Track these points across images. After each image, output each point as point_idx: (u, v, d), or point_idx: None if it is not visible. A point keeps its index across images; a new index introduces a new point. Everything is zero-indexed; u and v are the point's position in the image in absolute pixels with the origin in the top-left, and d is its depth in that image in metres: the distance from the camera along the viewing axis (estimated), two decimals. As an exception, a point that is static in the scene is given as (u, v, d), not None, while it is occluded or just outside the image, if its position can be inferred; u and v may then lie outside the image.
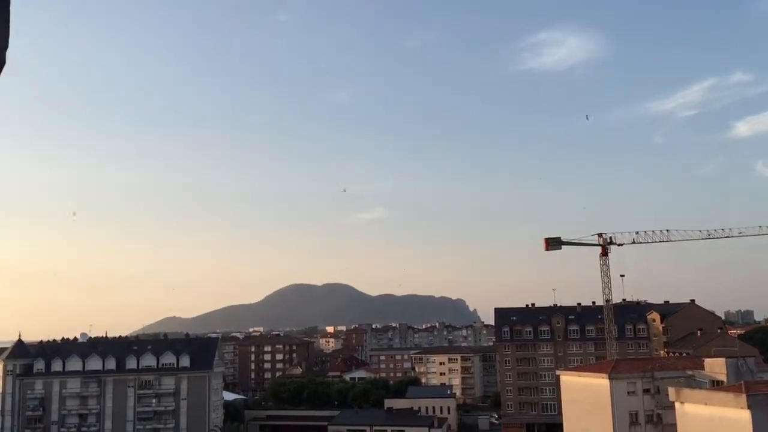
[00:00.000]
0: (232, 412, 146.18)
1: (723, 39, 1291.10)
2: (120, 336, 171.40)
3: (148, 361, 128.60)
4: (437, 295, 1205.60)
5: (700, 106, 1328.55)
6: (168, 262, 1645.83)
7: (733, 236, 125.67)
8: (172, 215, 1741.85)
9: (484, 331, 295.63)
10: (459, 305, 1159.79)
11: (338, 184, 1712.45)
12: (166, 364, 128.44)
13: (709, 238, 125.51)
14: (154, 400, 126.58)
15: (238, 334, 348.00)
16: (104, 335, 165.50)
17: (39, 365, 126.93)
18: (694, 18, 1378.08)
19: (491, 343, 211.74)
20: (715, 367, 72.12)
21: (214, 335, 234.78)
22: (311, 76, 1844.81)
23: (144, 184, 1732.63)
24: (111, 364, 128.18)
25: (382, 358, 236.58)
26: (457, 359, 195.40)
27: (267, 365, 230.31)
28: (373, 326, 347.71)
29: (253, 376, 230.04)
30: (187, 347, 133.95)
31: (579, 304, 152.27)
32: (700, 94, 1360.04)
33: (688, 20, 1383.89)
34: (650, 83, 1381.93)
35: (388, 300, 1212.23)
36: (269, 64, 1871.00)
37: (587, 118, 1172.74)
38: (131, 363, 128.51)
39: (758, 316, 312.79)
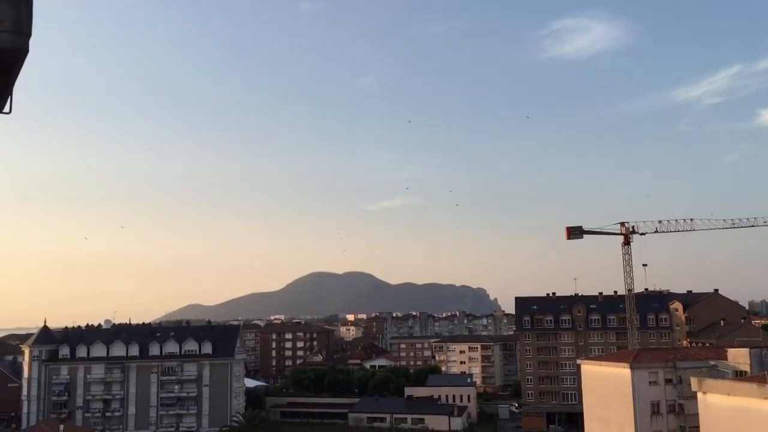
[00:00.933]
0: (253, 398, 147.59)
1: (749, 25, 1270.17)
2: (143, 323, 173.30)
3: (171, 347, 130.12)
4: (458, 284, 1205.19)
5: (726, 94, 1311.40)
6: (192, 251, 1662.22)
7: (758, 225, 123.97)
8: (198, 203, 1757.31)
9: (505, 320, 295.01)
10: (480, 294, 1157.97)
11: (363, 171, 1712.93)
12: (188, 351, 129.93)
13: (734, 228, 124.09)
14: (176, 386, 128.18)
15: (259, 322, 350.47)
16: (128, 322, 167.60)
17: (64, 351, 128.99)
18: (720, 4, 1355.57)
19: (512, 332, 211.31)
20: (739, 357, 71.25)
21: (235, 323, 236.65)
22: (336, 64, 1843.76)
23: (173, 173, 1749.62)
24: (134, 350, 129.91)
25: (403, 346, 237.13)
26: (477, 348, 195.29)
27: (288, 353, 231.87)
28: (394, 314, 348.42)
29: (274, 363, 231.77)
30: (209, 334, 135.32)
31: (600, 293, 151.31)
32: (726, 81, 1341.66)
33: (715, 6, 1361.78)
34: (676, 70, 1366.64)
35: (408, 288, 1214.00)
36: (296, 52, 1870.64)
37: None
38: (154, 349, 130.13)
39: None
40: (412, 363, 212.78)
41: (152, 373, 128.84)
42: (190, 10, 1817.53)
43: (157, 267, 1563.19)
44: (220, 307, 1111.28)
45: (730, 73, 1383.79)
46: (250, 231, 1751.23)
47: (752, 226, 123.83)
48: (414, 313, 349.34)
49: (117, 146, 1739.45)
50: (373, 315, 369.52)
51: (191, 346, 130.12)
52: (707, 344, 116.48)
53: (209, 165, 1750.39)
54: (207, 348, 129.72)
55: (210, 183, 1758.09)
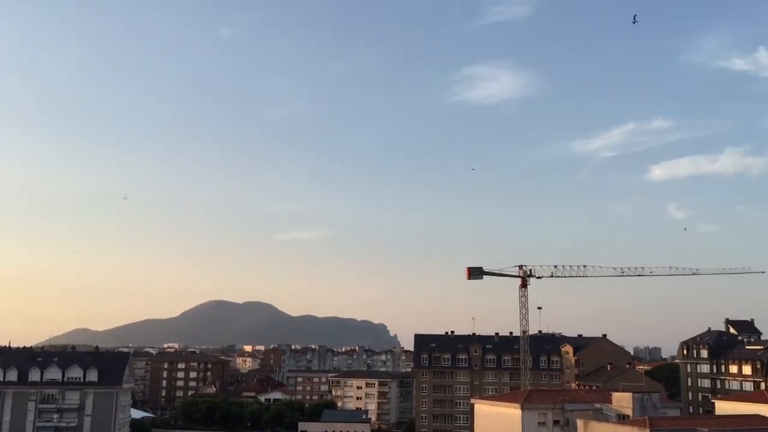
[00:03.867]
0: (138, 430, 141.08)
1: (647, 85, 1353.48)
2: (24, 347, 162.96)
3: (53, 374, 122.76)
4: (359, 318, 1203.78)
5: (621, 149, 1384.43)
6: (83, 273, 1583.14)
7: (644, 275, 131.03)
8: (94, 224, 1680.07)
9: (404, 357, 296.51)
10: (380, 329, 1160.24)
11: (269, 201, 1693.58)
12: (72, 378, 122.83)
13: (623, 276, 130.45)
14: (56, 416, 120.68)
15: (151, 350, 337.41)
16: (7, 345, 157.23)
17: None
18: (620, 64, 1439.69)
19: (410, 369, 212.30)
20: (622, 401, 74.36)
21: (125, 350, 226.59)
22: (250, 90, 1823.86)
23: (66, 191, 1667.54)
24: (12, 375, 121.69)
25: (300, 379, 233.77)
26: (374, 384, 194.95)
27: (180, 383, 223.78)
28: (293, 347, 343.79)
29: (164, 393, 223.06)
30: (96, 361, 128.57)
31: (497, 333, 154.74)
32: (621, 137, 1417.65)
33: (616, 66, 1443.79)
34: (577, 123, 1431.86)
35: (309, 321, 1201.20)
36: (210, 76, 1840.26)
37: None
38: (34, 375, 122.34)
39: (665, 353, 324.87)
40: (308, 397, 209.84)
41: (30, 400, 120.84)
42: (100, 32, 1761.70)
43: (42, 288, 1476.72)
44: (111, 333, 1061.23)
45: (626, 129, 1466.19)
46: (148, 255, 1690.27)
47: (639, 275, 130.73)
48: (313, 347, 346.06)
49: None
50: (272, 347, 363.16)
51: (75, 372, 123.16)
52: (594, 387, 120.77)
53: (109, 185, 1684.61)
54: (92, 375, 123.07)
55: (109, 204, 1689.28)
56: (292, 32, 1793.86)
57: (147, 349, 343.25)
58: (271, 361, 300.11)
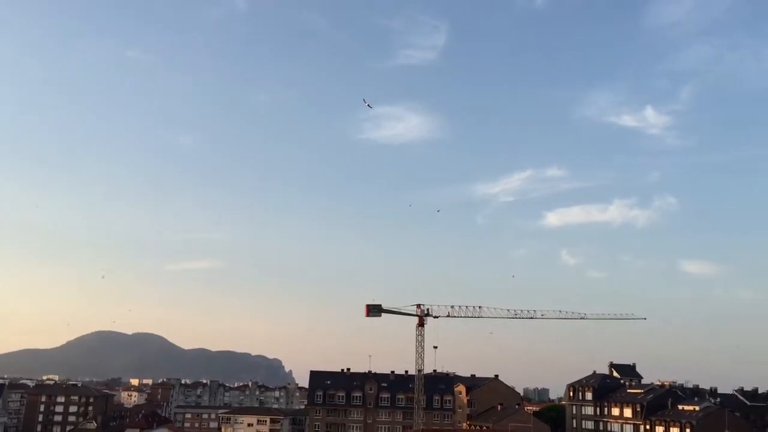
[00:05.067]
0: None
1: (544, 135, 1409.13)
2: None
3: None
4: (254, 353, 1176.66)
5: (519, 194, 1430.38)
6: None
7: (536, 318, 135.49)
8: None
9: (297, 394, 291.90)
10: (275, 365, 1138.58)
11: (163, 230, 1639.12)
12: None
13: (516, 318, 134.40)
14: None
15: (28, 382, 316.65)
16: None
17: None
18: (521, 113, 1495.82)
19: (303, 406, 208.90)
20: (511, 441, 75.93)
21: (0, 381, 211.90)
22: (154, 117, 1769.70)
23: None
24: None
25: (188, 416, 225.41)
26: (266, 421, 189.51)
27: (58, 417, 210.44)
28: (183, 381, 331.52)
29: (39, 429, 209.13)
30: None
31: (393, 372, 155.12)
32: (520, 183, 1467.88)
33: (517, 114, 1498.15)
34: (478, 168, 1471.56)
35: (202, 354, 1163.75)
36: (113, 98, 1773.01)
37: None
38: None
39: (552, 395, 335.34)
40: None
41: None
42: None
43: None
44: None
45: (524, 176, 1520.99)
46: (29, 280, 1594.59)
47: (531, 318, 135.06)
48: (204, 381, 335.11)
49: None
50: (161, 380, 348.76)
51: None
52: (485, 427, 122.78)
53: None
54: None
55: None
56: (204, 59, 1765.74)
57: (24, 381, 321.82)
58: (159, 396, 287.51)
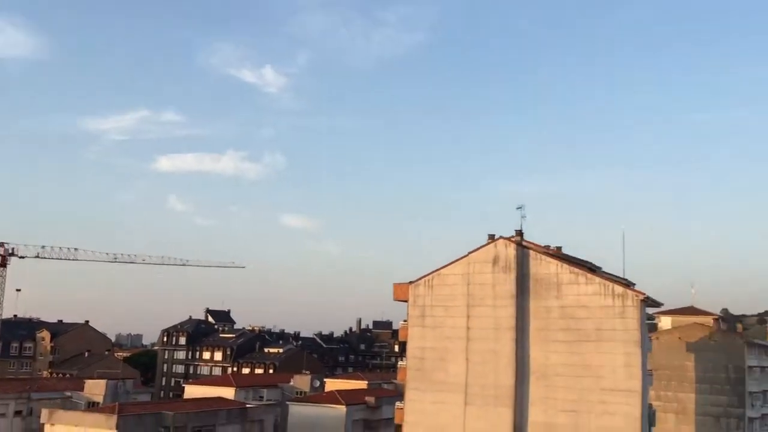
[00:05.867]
0: None
1: (164, 75, 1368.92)
2: None
3: None
4: None
5: (132, 134, 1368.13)
6: None
7: (137, 262, 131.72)
8: None
9: None
10: None
11: None
12: None
13: (116, 262, 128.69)
14: None
15: None
16: None
17: None
18: (140, 48, 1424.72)
19: None
20: (95, 388, 73.18)
21: None
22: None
23: None
24: None
25: None
26: None
27: None
28: None
29: None
30: None
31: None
32: (133, 122, 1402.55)
33: (135, 49, 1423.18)
34: (88, 99, 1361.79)
35: None
36: None
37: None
38: None
39: (146, 340, 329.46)
40: None
41: None
42: None
43: None
44: None
45: (138, 115, 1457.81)
46: None
47: (132, 262, 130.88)
48: None
49: None
50: None
51: None
52: (69, 375, 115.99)
53: None
54: None
55: None
56: None
57: None
58: None
